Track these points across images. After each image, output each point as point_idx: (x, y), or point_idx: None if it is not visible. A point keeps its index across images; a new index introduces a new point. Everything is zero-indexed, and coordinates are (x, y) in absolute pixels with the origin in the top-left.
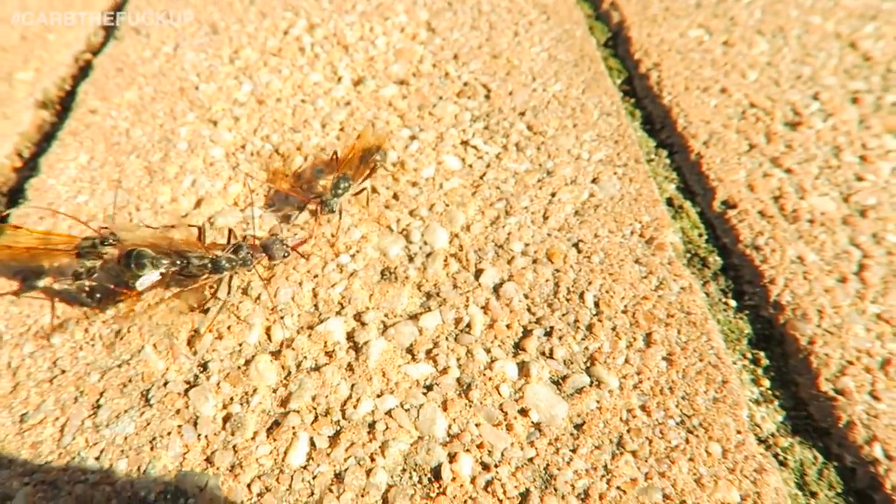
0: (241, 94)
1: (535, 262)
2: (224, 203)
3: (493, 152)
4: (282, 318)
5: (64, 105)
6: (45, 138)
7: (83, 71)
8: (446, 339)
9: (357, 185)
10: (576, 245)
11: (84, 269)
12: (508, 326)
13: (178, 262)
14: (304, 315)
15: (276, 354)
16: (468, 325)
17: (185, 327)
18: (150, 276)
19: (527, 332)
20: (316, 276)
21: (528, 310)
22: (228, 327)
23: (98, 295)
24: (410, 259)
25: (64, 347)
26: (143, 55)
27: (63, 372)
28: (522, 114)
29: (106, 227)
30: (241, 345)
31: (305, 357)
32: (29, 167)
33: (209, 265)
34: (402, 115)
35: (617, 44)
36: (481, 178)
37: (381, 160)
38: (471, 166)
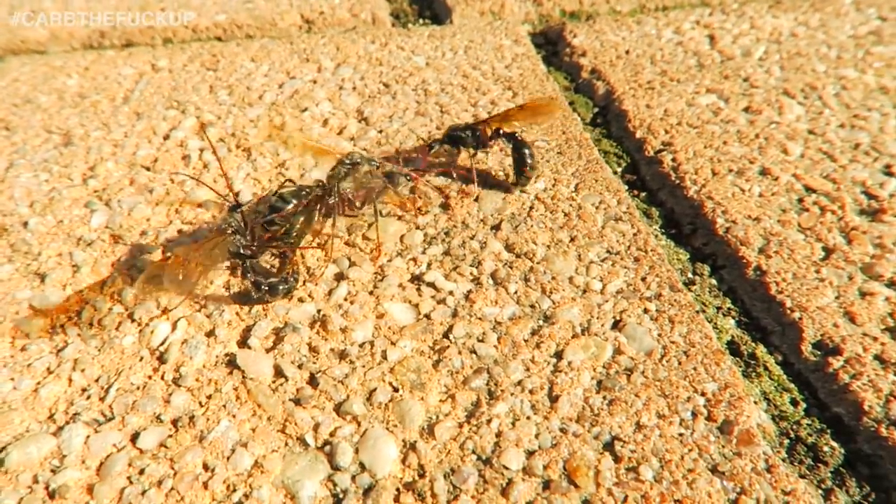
0: (87, 229)
1: (547, 486)
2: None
3: (460, 291)
4: None
5: None
6: None
7: None
8: None
9: None
10: (610, 448)
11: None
12: None
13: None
14: None
15: None
16: None
17: None
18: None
19: None
20: None
21: None
22: None
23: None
24: (337, 503)
25: None
26: None
27: None
28: (496, 228)
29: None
30: None
31: None
32: None
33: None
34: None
35: (608, 121)
36: (445, 335)
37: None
38: (428, 317)
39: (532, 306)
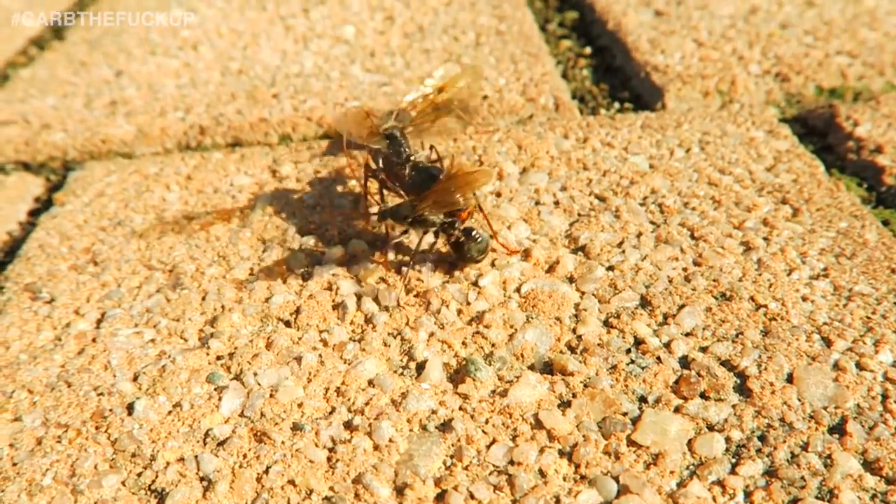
0: (217, 419)
1: None
2: None
3: None
4: None
5: None
6: None
7: None
8: None
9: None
10: None
11: None
12: None
13: None
14: None
15: None
16: None
17: None
18: None
19: None
20: None
21: None
22: None
23: None
24: None
25: None
26: None
27: None
28: (839, 431)
29: None
30: None
31: None
32: None
33: None
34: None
35: None
36: None
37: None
38: None
39: None
